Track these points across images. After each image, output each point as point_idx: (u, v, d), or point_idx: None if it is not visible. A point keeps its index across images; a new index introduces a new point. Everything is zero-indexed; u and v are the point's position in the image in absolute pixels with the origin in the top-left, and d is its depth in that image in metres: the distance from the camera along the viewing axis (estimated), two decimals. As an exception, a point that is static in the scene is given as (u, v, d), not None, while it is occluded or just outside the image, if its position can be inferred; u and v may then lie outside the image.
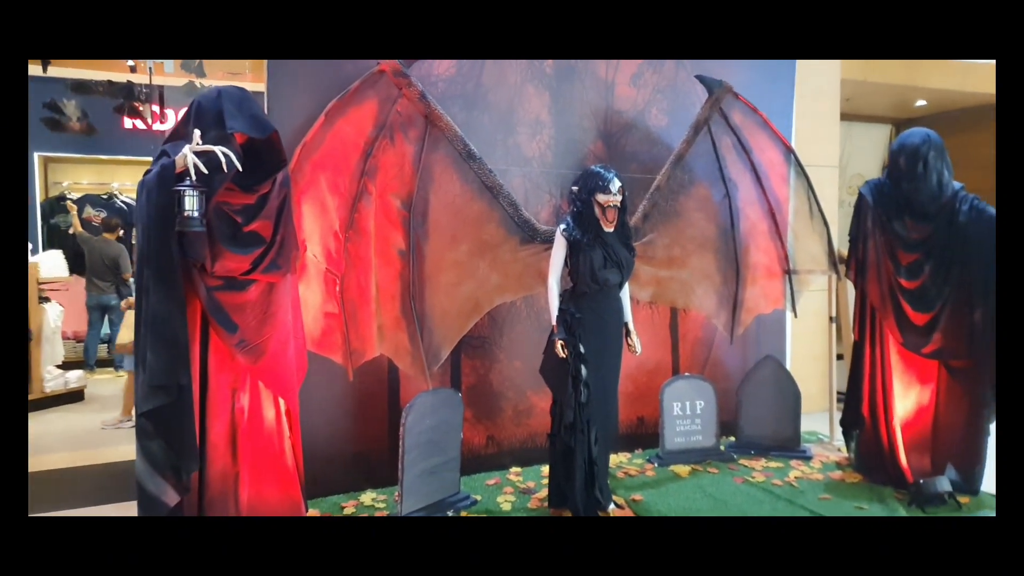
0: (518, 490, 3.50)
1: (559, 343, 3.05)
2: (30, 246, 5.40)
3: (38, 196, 7.47)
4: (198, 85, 5.84)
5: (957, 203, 3.38)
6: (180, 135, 2.42)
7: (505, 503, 3.33)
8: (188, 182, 2.23)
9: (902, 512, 3.25)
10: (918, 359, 3.52)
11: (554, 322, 3.13)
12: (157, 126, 6.83)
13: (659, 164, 4.05)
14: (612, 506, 3.23)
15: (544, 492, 3.35)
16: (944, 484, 3.29)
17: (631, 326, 3.30)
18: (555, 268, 3.17)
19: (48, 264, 5.96)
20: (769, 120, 4.17)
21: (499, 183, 3.58)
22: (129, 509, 2.46)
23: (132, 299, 4.79)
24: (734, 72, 4.18)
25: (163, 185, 2.27)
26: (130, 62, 6.23)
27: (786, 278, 4.28)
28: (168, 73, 6.37)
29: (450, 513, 3.18)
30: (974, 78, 6.41)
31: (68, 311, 6.27)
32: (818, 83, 5.24)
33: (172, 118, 6.74)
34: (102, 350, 6.87)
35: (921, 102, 7.04)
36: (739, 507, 3.29)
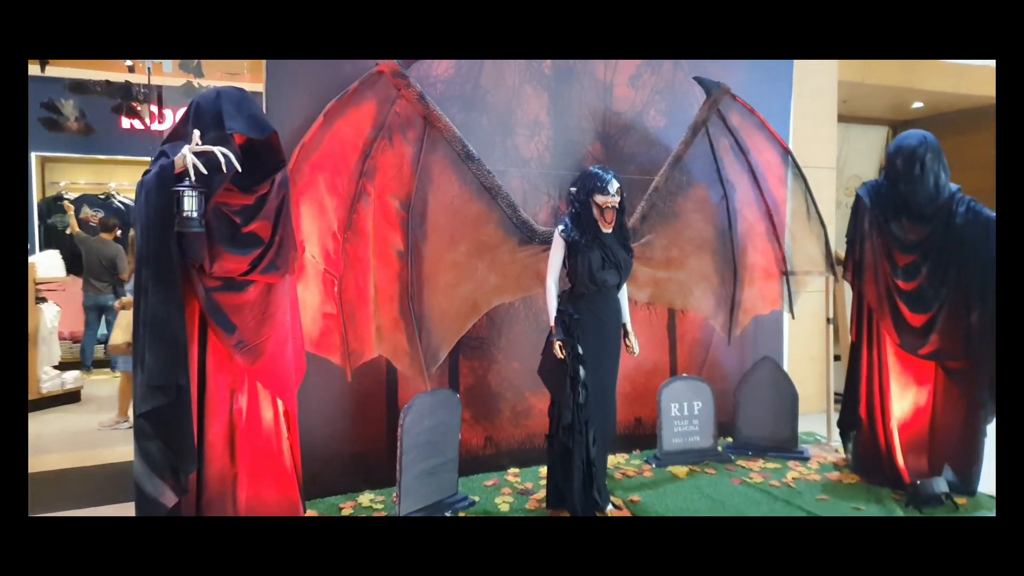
0: (516, 491, 3.51)
1: (557, 344, 3.06)
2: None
3: (35, 196, 7.45)
4: (196, 85, 5.83)
5: (954, 205, 3.39)
6: (179, 135, 2.41)
7: (503, 504, 3.33)
8: (187, 183, 2.23)
9: (899, 512, 3.26)
10: (915, 360, 3.53)
11: (552, 323, 3.13)
12: (155, 126, 6.81)
13: (657, 165, 4.06)
14: (610, 507, 3.23)
15: (542, 493, 3.36)
16: (941, 485, 3.31)
17: (629, 327, 3.31)
18: (553, 269, 3.18)
19: (45, 264, 5.94)
20: (767, 122, 4.17)
21: (497, 184, 3.58)
22: (127, 510, 2.46)
23: (124, 299, 4.78)
24: (732, 74, 4.19)
25: (162, 186, 2.26)
26: (128, 62, 6.22)
27: (783, 279, 4.29)
28: (166, 73, 6.35)
29: (448, 514, 3.17)
30: (970, 80, 6.44)
31: (65, 311, 6.26)
32: (815, 85, 5.25)
33: (170, 118, 6.72)
34: (99, 351, 6.86)
35: (918, 104, 7.07)
36: (737, 508, 3.29)
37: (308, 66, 3.24)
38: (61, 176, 7.80)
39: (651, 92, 4.19)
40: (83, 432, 4.88)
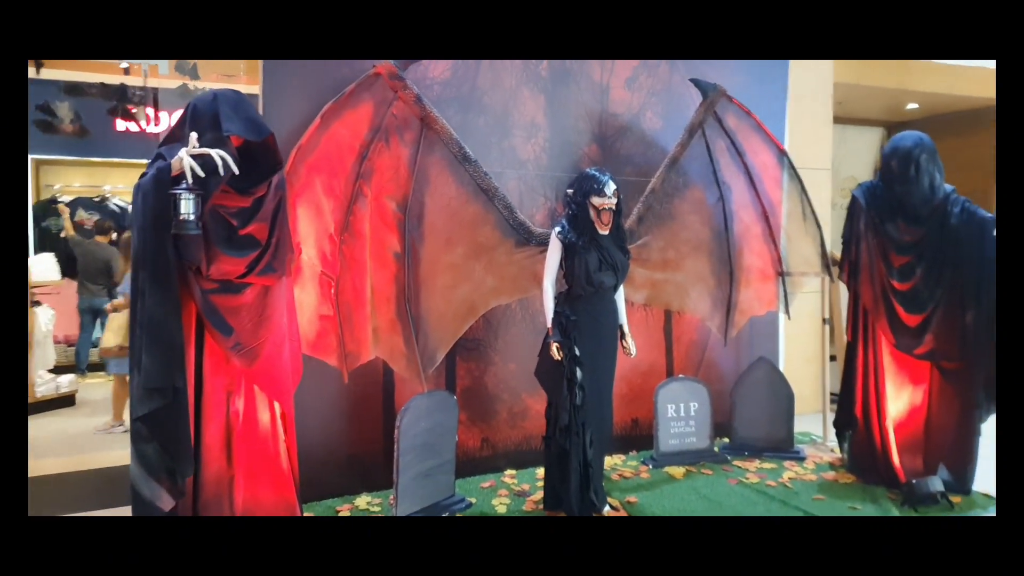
0: (513, 493, 3.51)
1: (554, 345, 3.06)
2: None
3: (30, 199, 7.42)
4: (192, 88, 5.83)
5: (949, 206, 3.41)
6: (176, 138, 2.41)
7: (500, 506, 3.33)
8: (184, 185, 2.22)
9: (895, 512, 3.27)
10: (910, 360, 3.54)
11: (549, 325, 3.13)
12: (151, 129, 6.80)
13: (654, 167, 4.07)
14: (607, 508, 3.23)
15: (539, 494, 3.36)
16: (936, 484, 3.32)
17: (626, 328, 3.31)
18: (550, 271, 3.18)
19: (39, 267, 5.92)
20: (763, 123, 4.19)
21: (494, 186, 3.58)
22: (123, 514, 2.45)
23: (116, 301, 4.75)
24: (728, 76, 4.20)
25: (159, 188, 2.26)
26: (124, 64, 6.21)
27: (779, 280, 4.30)
28: (162, 75, 6.35)
29: (445, 516, 3.17)
30: (965, 81, 6.46)
31: (60, 315, 6.23)
32: (811, 86, 5.27)
33: (166, 121, 6.71)
34: (93, 354, 6.83)
35: (913, 105, 7.10)
36: (733, 508, 3.30)
37: (305, 68, 3.24)
38: (56, 179, 7.77)
39: (647, 94, 4.20)
40: (78, 436, 4.86)
